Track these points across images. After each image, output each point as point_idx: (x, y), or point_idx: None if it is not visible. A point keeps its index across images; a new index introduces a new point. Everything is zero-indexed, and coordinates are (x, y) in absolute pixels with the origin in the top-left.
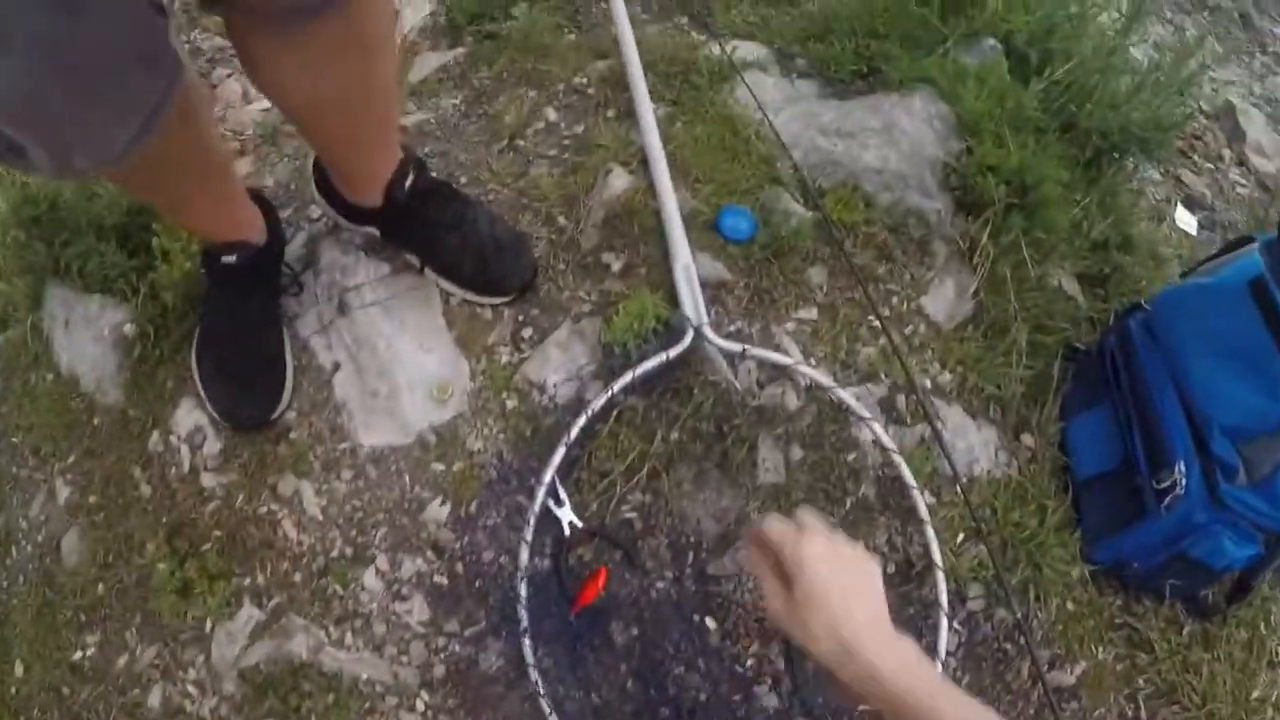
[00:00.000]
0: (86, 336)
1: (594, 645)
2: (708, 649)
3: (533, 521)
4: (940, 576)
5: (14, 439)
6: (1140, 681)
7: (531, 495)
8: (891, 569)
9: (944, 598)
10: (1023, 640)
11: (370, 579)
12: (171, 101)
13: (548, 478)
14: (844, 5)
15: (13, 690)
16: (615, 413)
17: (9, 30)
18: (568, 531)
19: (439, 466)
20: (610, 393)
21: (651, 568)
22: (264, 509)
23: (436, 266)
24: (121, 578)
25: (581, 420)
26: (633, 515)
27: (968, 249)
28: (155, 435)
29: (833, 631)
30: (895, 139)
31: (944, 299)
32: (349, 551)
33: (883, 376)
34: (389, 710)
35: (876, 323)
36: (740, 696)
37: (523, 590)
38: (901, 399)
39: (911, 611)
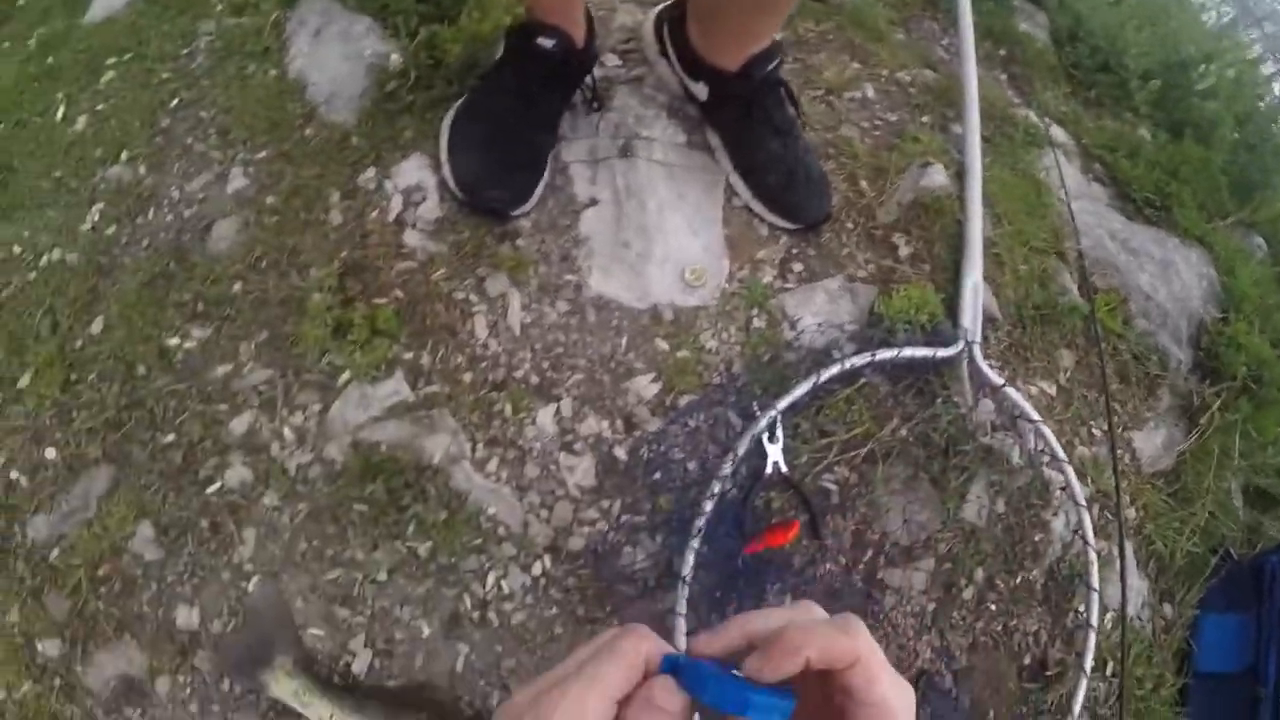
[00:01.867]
0: (337, 52)
1: (747, 592)
2: None
3: (747, 443)
4: (1083, 685)
5: (203, 113)
6: None
7: (746, 416)
8: (1028, 660)
9: (1078, 706)
10: None
11: (546, 418)
12: None
13: (781, 406)
14: (1156, 139)
15: (78, 344)
16: (861, 382)
17: None
18: (769, 469)
19: (663, 344)
20: (872, 358)
21: (830, 546)
22: (461, 295)
23: (741, 164)
24: (267, 287)
25: (835, 369)
26: (833, 487)
27: (1196, 408)
28: (371, 171)
29: None
30: (1169, 278)
31: (1153, 444)
32: (535, 380)
33: (1089, 482)
34: (501, 558)
35: (1099, 430)
36: None
37: (707, 506)
38: (1089, 515)
39: (1023, 710)
